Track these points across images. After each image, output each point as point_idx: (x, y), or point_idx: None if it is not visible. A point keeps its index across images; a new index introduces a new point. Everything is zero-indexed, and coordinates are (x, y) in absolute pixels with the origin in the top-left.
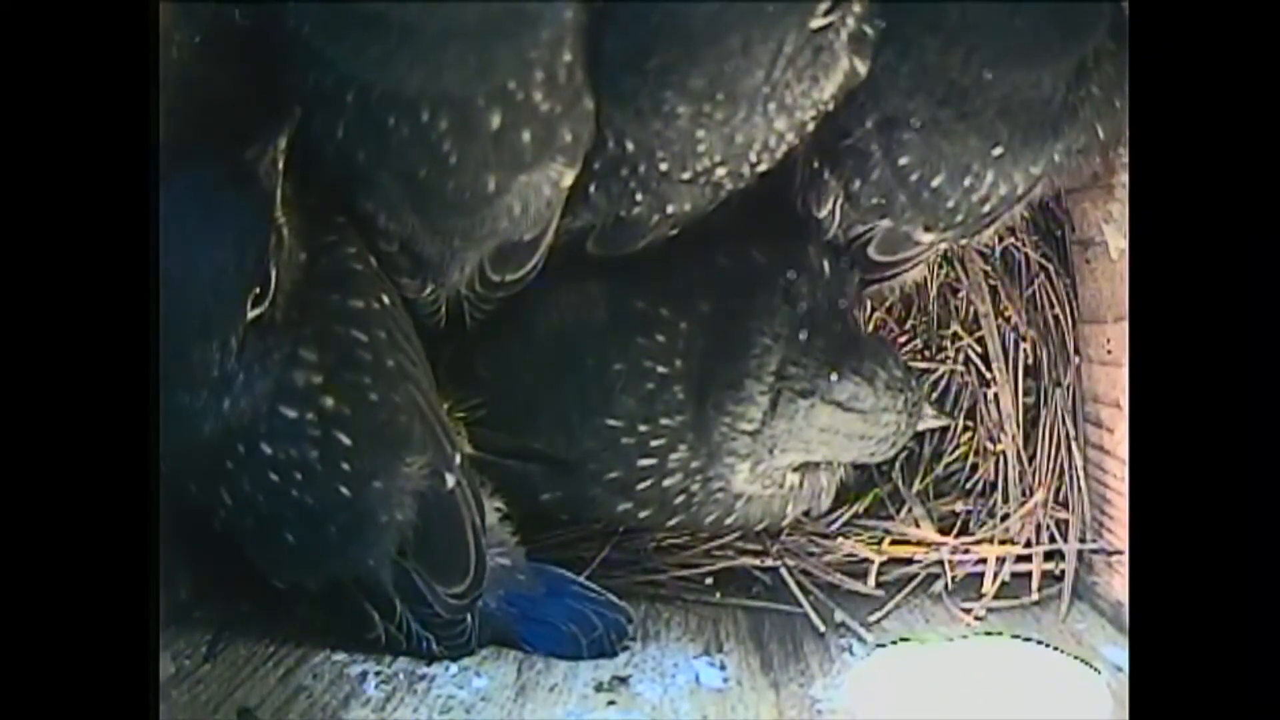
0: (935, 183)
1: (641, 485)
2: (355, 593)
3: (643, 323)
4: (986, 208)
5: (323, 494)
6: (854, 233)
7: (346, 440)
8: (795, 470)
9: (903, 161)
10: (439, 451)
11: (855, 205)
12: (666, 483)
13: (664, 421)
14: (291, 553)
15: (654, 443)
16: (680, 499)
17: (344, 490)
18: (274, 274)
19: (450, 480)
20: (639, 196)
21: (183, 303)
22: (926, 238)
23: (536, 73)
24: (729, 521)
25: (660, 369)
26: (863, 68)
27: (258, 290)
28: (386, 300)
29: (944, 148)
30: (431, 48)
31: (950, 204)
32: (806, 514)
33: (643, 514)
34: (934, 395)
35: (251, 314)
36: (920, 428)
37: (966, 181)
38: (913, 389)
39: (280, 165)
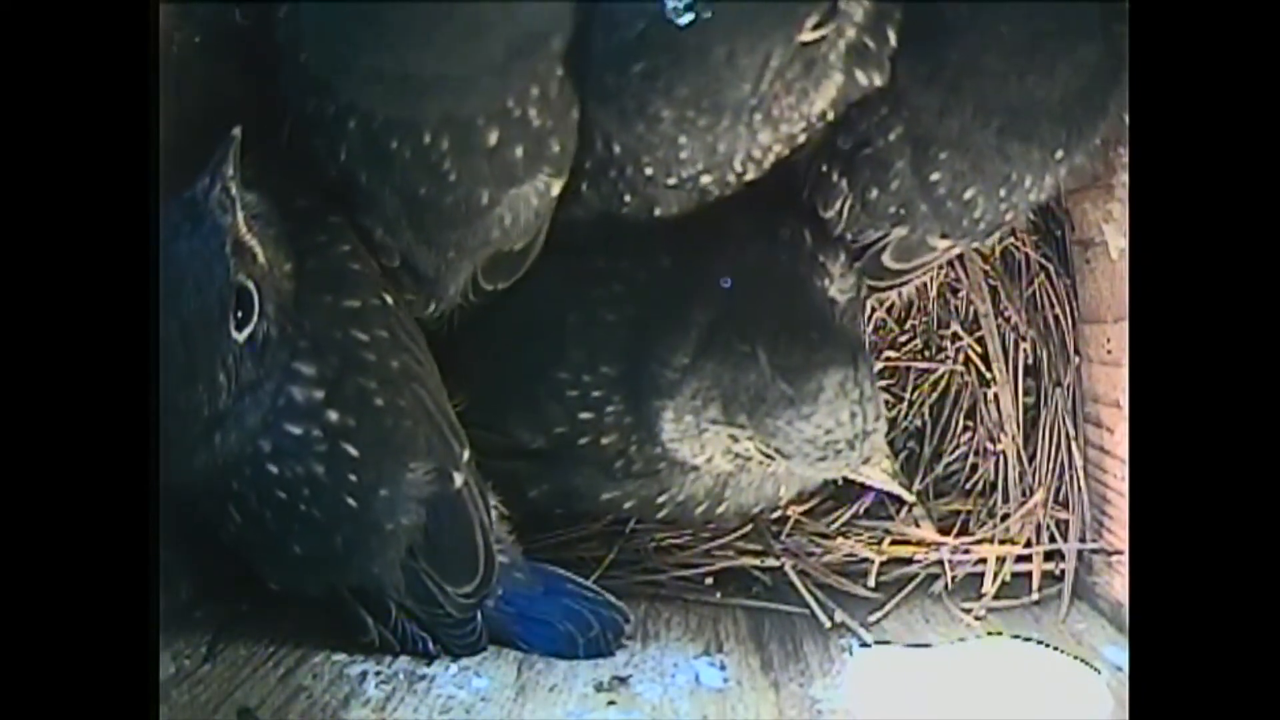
0: (968, 195)
1: (583, 441)
2: (351, 598)
3: (601, 277)
4: (1011, 215)
5: (330, 507)
6: (867, 239)
7: (353, 452)
8: (727, 455)
9: (934, 177)
10: (447, 451)
11: (870, 212)
12: (604, 441)
13: (604, 370)
14: (298, 563)
15: (594, 393)
16: (620, 464)
17: (351, 502)
18: (255, 292)
19: (458, 480)
20: (627, 198)
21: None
22: (942, 244)
23: (533, 90)
24: (679, 496)
25: (610, 317)
26: (866, 79)
27: (239, 314)
28: (388, 300)
29: (989, 166)
30: (446, 79)
31: (977, 213)
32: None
33: (628, 504)
34: (934, 396)
35: (242, 335)
36: (864, 471)
37: (1002, 191)
38: (870, 417)
39: (234, 192)
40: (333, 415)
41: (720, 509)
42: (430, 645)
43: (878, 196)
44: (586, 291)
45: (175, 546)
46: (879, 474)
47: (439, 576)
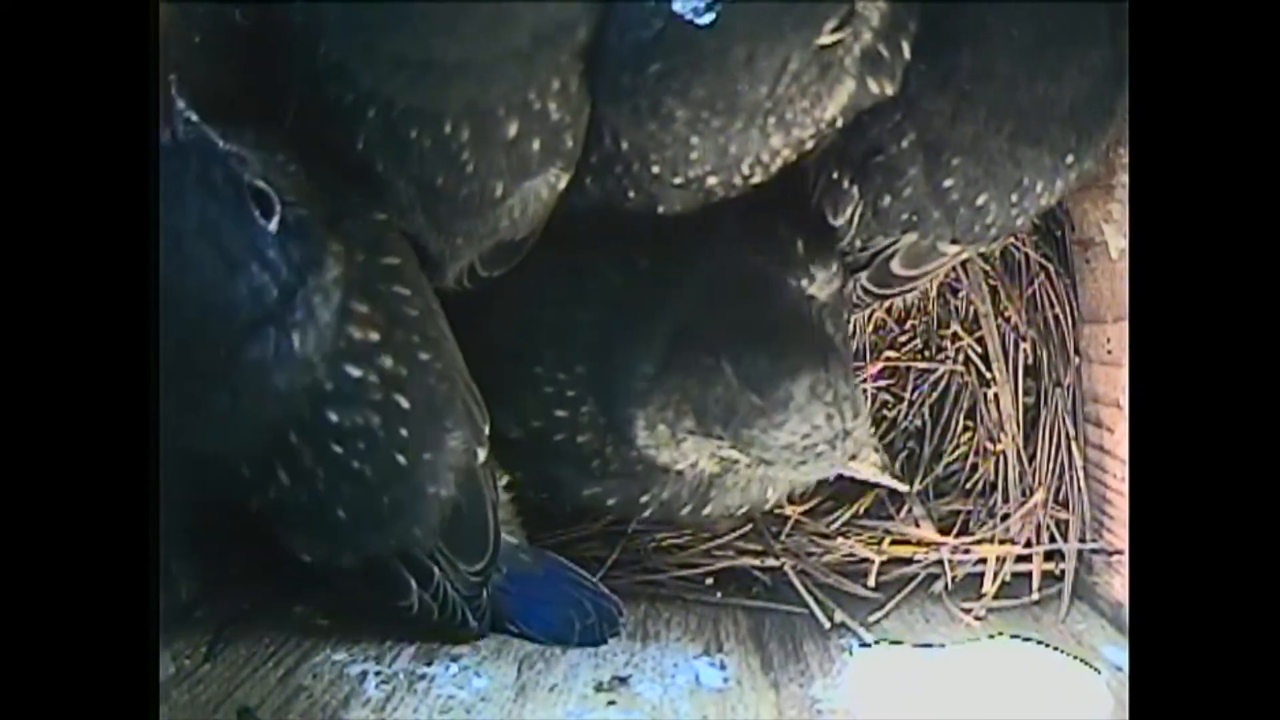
0: (980, 200)
1: (558, 438)
2: (394, 559)
3: (579, 273)
4: (1021, 220)
5: (381, 463)
6: (876, 245)
7: (405, 404)
8: (713, 459)
9: (947, 183)
10: (471, 424)
11: (881, 219)
12: (580, 439)
13: (578, 369)
14: (339, 528)
15: (569, 392)
16: (597, 463)
17: (401, 459)
18: (263, 184)
19: (481, 455)
20: (630, 195)
21: (194, 267)
22: (952, 250)
23: (554, 83)
24: (663, 495)
25: (583, 316)
26: (878, 87)
27: (259, 211)
28: (421, 273)
29: (1001, 171)
30: (470, 66)
31: (989, 218)
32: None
33: (610, 500)
34: (934, 396)
35: (272, 224)
36: (853, 467)
37: (1014, 196)
38: (848, 416)
39: (194, 119)
40: (387, 361)
41: (706, 510)
42: (470, 615)
43: (890, 203)
44: (563, 287)
45: (175, 546)
46: (869, 468)
47: (452, 553)
